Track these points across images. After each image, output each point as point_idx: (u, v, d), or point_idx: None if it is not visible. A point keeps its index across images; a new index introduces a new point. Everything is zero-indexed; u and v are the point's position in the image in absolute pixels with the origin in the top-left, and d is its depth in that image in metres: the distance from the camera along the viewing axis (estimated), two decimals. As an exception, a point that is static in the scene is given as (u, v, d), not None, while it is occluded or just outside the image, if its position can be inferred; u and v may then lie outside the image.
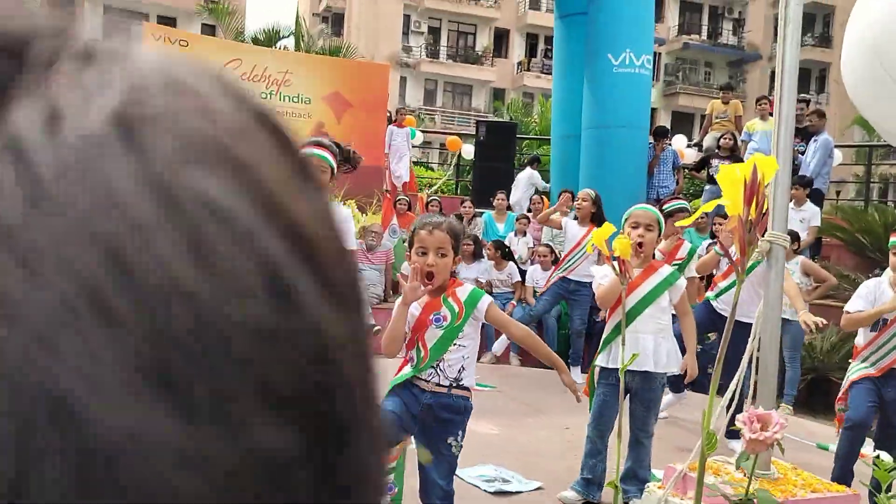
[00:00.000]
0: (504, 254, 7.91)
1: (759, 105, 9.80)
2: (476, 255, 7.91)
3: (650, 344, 3.23)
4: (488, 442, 4.32)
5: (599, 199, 6.09)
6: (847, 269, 8.51)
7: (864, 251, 8.52)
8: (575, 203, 6.22)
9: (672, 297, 3.36)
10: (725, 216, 4.95)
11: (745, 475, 2.35)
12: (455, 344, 2.52)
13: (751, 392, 2.69)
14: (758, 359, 2.49)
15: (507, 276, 7.83)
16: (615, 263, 2.12)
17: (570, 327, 6.59)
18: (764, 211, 1.09)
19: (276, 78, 8.32)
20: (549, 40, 31.52)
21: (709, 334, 5.47)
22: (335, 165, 3.47)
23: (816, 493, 2.26)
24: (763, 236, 2.67)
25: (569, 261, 6.31)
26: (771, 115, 9.61)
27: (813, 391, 6.74)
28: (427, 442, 2.59)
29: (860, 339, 3.58)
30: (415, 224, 2.58)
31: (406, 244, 2.59)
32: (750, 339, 2.41)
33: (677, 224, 4.24)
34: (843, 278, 7.86)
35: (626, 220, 3.37)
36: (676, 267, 4.85)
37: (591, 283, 6.64)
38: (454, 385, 2.54)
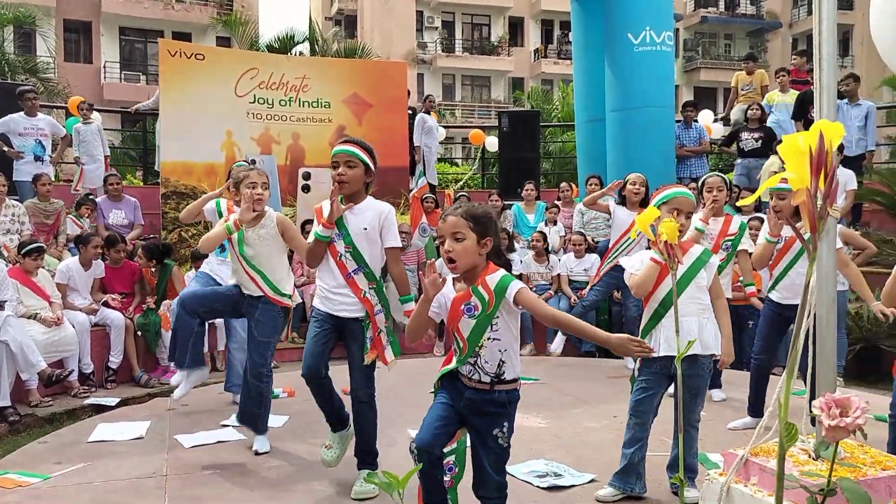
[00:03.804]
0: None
1: (779, 77, 9.62)
2: (509, 249, 7.83)
3: (694, 326, 3.13)
4: (537, 436, 4.26)
5: (647, 184, 5.96)
6: (889, 233, 8.27)
7: (907, 214, 8.28)
8: (632, 188, 5.95)
9: (707, 275, 3.26)
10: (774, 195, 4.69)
11: (810, 457, 2.26)
12: (489, 338, 2.49)
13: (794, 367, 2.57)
14: (814, 335, 2.40)
15: (547, 269, 7.74)
16: (662, 247, 2.04)
17: (625, 314, 6.44)
18: (834, 182, 1.01)
19: (294, 84, 8.30)
20: (564, 25, 31.26)
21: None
22: (370, 163, 3.45)
23: (887, 470, 2.16)
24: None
25: (619, 247, 6.05)
26: (793, 85, 9.46)
27: (862, 361, 6.56)
28: (474, 435, 2.58)
29: None
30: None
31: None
32: (805, 316, 2.32)
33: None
34: (885, 243, 7.65)
35: (664, 202, 3.27)
36: (729, 242, 4.73)
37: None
38: (496, 381, 2.51)
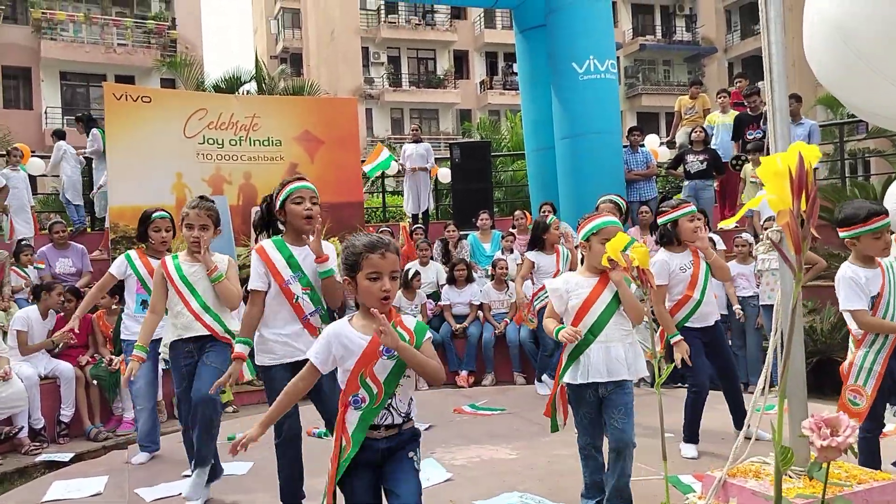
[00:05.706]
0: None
1: (720, 98, 9.93)
2: (469, 280, 7.82)
3: (621, 351, 3.16)
4: (509, 468, 4.21)
5: None
6: (835, 247, 8.51)
7: (850, 228, 8.53)
8: (556, 232, 6.32)
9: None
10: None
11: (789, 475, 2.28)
12: (406, 375, 2.31)
13: (761, 385, 2.56)
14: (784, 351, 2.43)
15: (507, 296, 7.76)
16: (635, 273, 2.05)
17: (544, 345, 6.57)
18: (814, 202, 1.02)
19: (244, 123, 8.24)
20: (508, 57, 31.79)
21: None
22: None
23: (863, 483, 2.19)
24: (767, 228, 2.62)
25: (544, 293, 6.30)
26: (733, 106, 9.76)
27: (819, 373, 6.69)
28: (390, 471, 2.35)
29: (855, 328, 3.43)
30: (355, 247, 2.31)
31: (341, 267, 2.36)
32: (772, 334, 2.35)
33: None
34: (833, 257, 7.87)
35: (594, 232, 3.18)
36: None
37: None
38: (405, 420, 2.35)
